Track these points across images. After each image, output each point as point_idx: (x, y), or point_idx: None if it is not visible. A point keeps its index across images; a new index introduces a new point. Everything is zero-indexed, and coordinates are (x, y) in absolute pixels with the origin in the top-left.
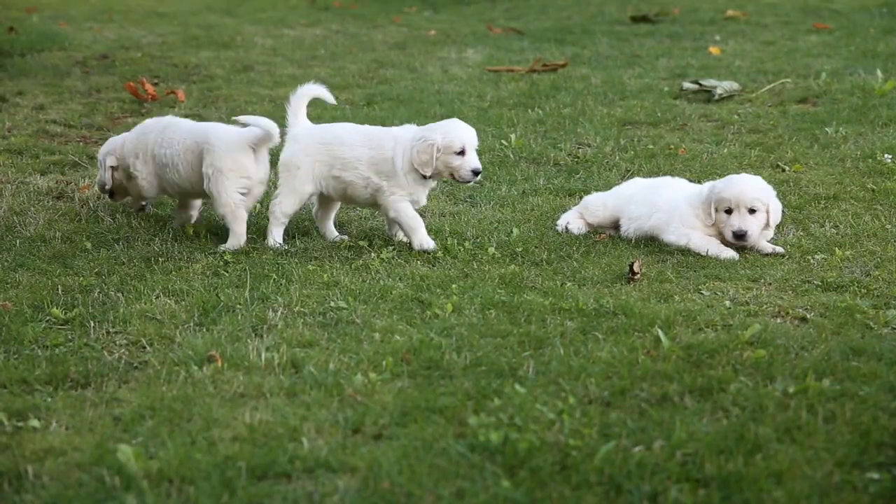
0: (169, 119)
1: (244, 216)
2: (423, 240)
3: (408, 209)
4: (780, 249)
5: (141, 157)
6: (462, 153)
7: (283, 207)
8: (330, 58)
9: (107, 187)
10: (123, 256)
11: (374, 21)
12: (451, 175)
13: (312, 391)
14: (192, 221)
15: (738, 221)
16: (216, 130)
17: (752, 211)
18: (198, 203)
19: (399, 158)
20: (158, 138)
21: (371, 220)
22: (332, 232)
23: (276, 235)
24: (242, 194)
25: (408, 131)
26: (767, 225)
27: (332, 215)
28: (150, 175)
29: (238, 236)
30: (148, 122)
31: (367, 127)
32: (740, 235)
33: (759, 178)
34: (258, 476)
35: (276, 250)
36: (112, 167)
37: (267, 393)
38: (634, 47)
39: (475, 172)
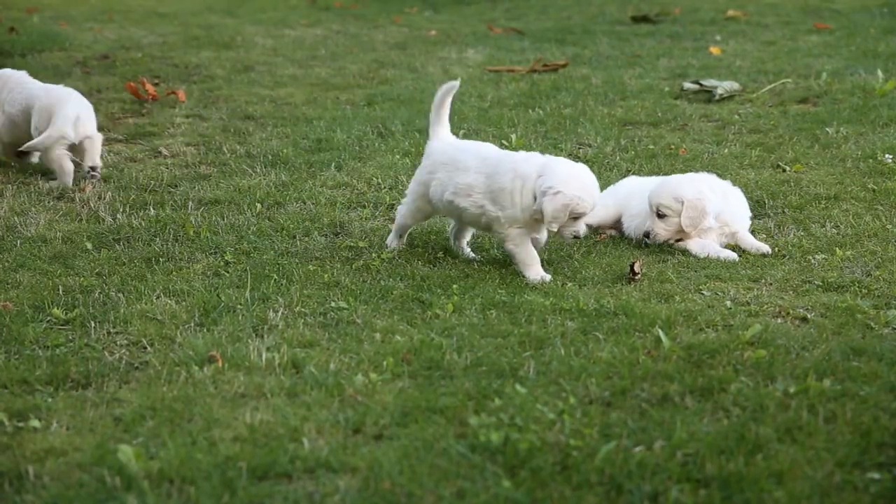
0: (19, 77)
1: (70, 167)
2: (539, 273)
3: (527, 244)
4: (764, 248)
5: None
6: (578, 217)
7: (402, 218)
8: (330, 58)
9: None
10: (124, 257)
11: (375, 21)
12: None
13: (313, 391)
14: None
15: (649, 223)
16: (39, 93)
17: (660, 216)
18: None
19: (518, 195)
20: (8, 97)
21: (371, 220)
22: (465, 251)
23: (390, 238)
24: (67, 148)
25: (531, 164)
26: (682, 230)
27: (468, 235)
28: (2, 126)
29: (63, 178)
30: (5, 72)
31: (486, 149)
32: (645, 235)
33: (680, 182)
34: (259, 476)
35: (390, 251)
36: None
37: (268, 393)
38: (635, 47)
39: (576, 237)
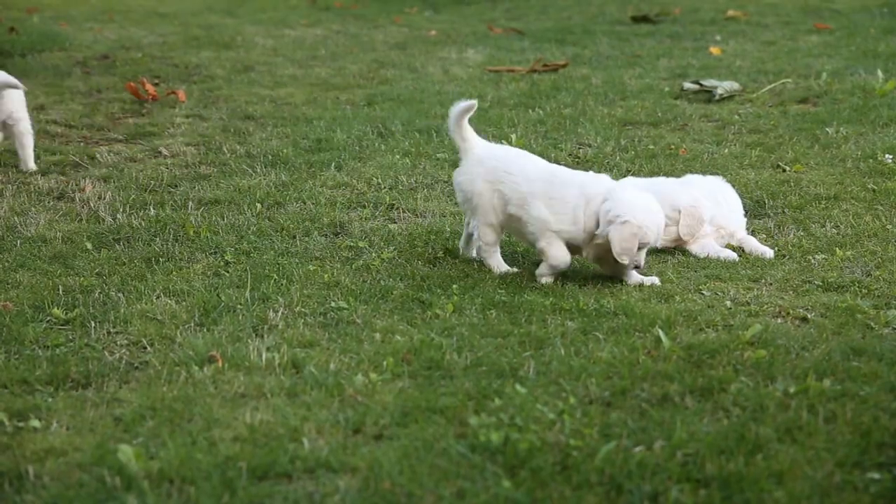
0: None
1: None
2: (550, 278)
3: (562, 246)
4: (769, 254)
5: None
6: (641, 248)
7: (485, 238)
8: (330, 58)
9: None
10: (124, 257)
11: (375, 21)
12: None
13: (313, 391)
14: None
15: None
16: None
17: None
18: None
19: (581, 211)
20: None
21: (371, 220)
22: (469, 252)
23: (494, 263)
24: None
25: (599, 185)
26: (680, 238)
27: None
28: None
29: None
30: None
31: (552, 165)
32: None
33: (674, 191)
34: (259, 476)
35: (506, 273)
36: None
37: (267, 393)
38: (635, 47)
39: (637, 266)
